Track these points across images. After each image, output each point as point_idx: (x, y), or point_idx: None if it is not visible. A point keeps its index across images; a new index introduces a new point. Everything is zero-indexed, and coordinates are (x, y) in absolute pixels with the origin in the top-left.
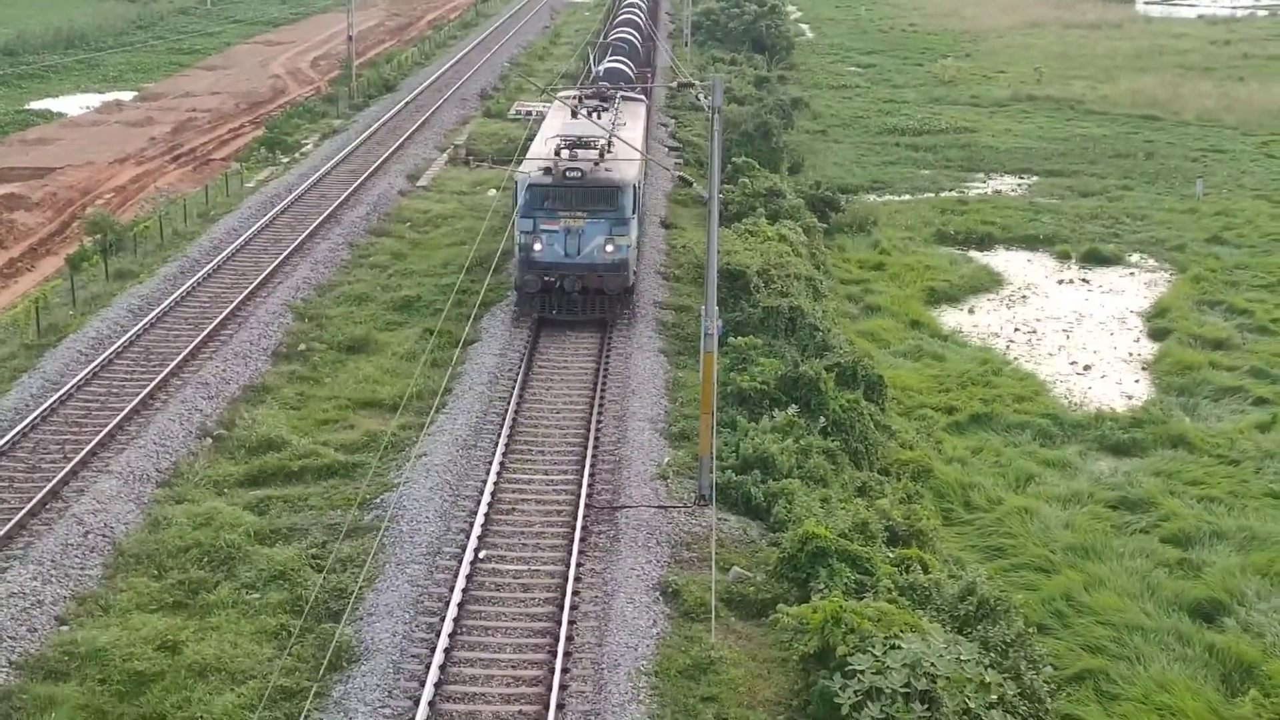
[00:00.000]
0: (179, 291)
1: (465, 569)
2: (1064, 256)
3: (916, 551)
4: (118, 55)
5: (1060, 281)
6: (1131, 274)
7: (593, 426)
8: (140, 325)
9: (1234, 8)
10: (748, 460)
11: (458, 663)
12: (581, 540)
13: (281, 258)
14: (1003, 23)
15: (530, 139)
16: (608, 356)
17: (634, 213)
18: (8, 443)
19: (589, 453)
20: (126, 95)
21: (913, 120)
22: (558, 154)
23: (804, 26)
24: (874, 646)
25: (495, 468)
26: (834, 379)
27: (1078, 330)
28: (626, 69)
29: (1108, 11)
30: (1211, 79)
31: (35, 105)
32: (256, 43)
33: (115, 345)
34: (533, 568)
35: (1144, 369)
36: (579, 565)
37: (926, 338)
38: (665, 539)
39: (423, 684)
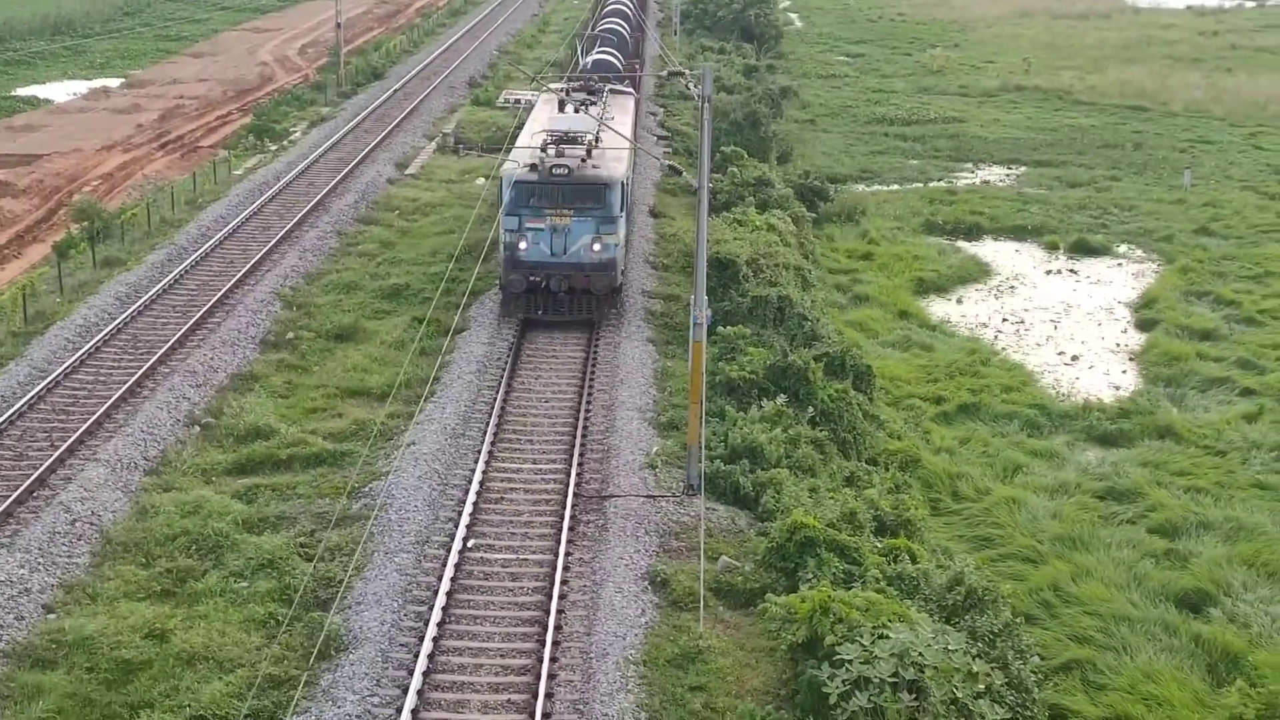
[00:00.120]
0: (167, 279)
1: (454, 558)
2: (1052, 247)
3: (904, 541)
4: (105, 42)
5: (1048, 272)
6: (1119, 265)
7: (581, 415)
8: (128, 313)
9: None
10: (736, 450)
11: (446, 652)
12: (570, 529)
13: (270, 246)
14: (991, 12)
15: (519, 128)
16: (596, 346)
17: (622, 211)
18: None
19: (577, 442)
20: (114, 82)
21: (901, 110)
22: (544, 150)
23: (793, 15)
24: (862, 636)
25: (484, 456)
26: (822, 369)
27: (1065, 321)
28: (615, 61)
29: (1096, 2)
30: (1200, 70)
31: (22, 92)
32: (244, 30)
33: (103, 333)
34: (521, 557)
35: (1131, 359)
36: (567, 554)
37: (915, 328)
38: (654, 528)
39: (411, 673)
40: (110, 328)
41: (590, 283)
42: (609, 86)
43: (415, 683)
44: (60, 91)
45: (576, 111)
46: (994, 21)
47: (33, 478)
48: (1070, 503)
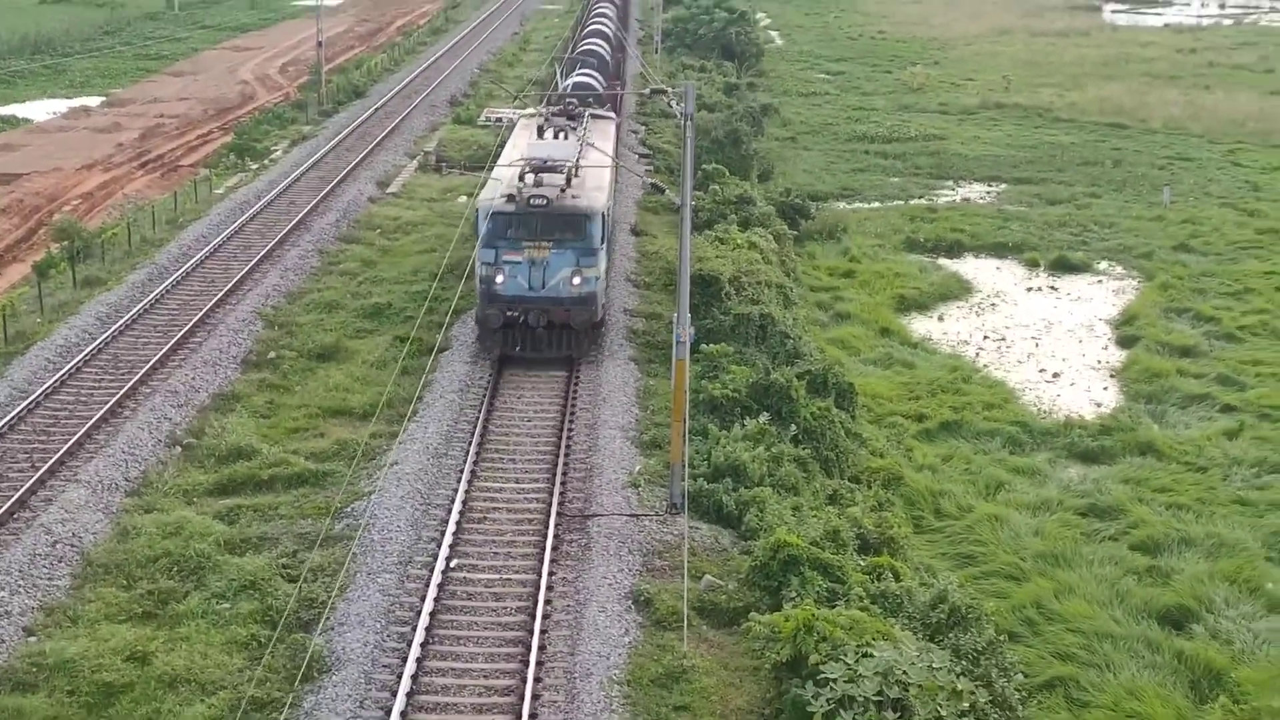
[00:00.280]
0: (148, 299)
1: (437, 578)
2: (1033, 264)
3: (888, 559)
4: (85, 61)
5: (1029, 289)
6: (1099, 281)
7: (564, 434)
8: (108, 333)
9: (1200, 17)
10: (719, 468)
11: (429, 672)
12: (553, 549)
13: (251, 265)
14: (971, 30)
15: (501, 146)
16: (579, 365)
17: (603, 242)
18: None
19: (560, 461)
20: (94, 101)
21: (882, 128)
22: (522, 179)
23: (773, 34)
24: (846, 655)
25: (467, 476)
26: (805, 387)
27: (1046, 338)
28: (596, 83)
29: (1075, 20)
30: (1178, 87)
31: (1, 111)
32: (225, 48)
33: (83, 353)
34: (504, 576)
35: (1112, 376)
36: (551, 574)
37: (896, 345)
38: (637, 547)
39: (394, 694)
40: (91, 348)
41: (570, 317)
42: (589, 111)
43: (399, 704)
44: (40, 110)
45: (556, 137)
46: (973, 39)
47: (13, 499)
48: (1052, 520)
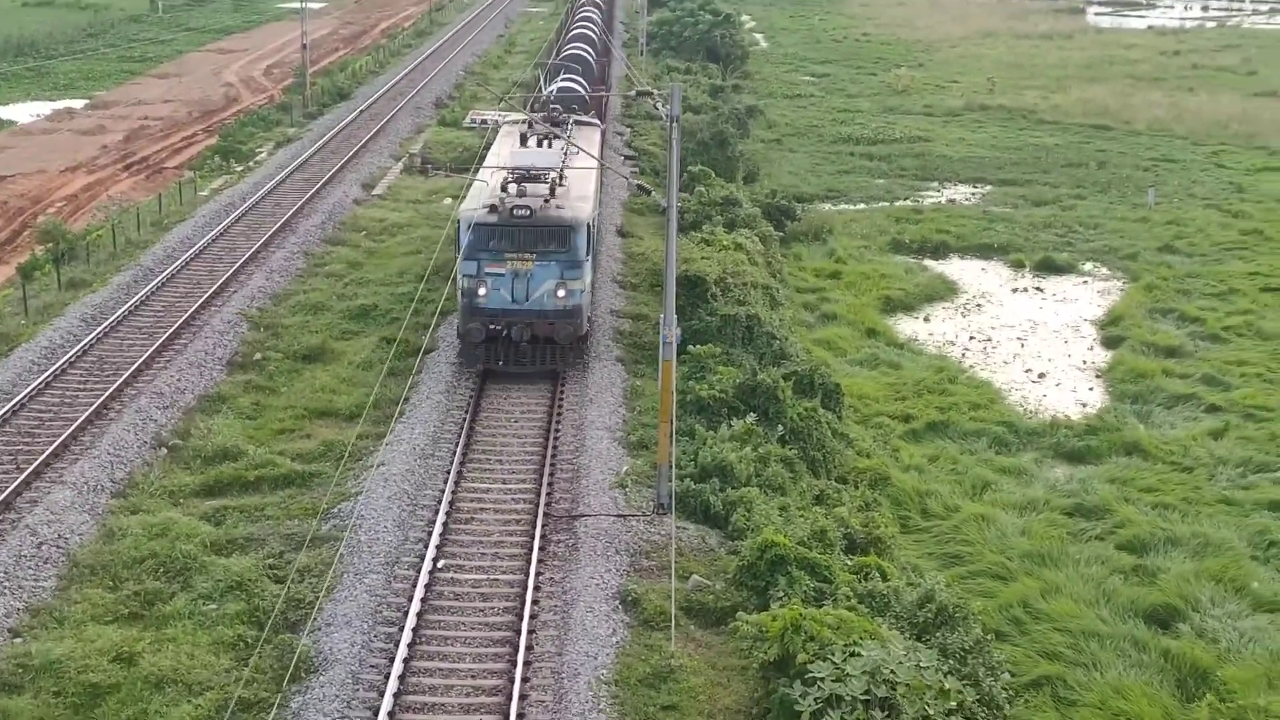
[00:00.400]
0: (132, 300)
1: (424, 578)
2: (1018, 265)
3: (875, 559)
4: (69, 63)
5: (1014, 290)
6: (1085, 282)
7: (551, 435)
8: (93, 334)
9: (1183, 19)
10: (706, 469)
11: (417, 673)
12: (540, 549)
13: (236, 266)
14: (955, 32)
15: (487, 147)
16: (565, 366)
17: (588, 254)
18: None
19: (547, 461)
20: (78, 103)
21: (867, 129)
22: (504, 189)
23: (758, 36)
24: (834, 654)
25: (453, 477)
26: (791, 387)
27: (1032, 338)
28: (580, 89)
29: (1059, 22)
30: (1162, 89)
31: None
32: (209, 50)
33: (68, 355)
34: (492, 577)
35: (1098, 376)
36: (538, 574)
37: (883, 346)
38: (624, 547)
39: (382, 694)
40: (76, 349)
41: (554, 331)
42: (573, 118)
43: (386, 704)
44: (24, 112)
45: (540, 145)
46: (958, 41)
47: None
48: (1039, 519)
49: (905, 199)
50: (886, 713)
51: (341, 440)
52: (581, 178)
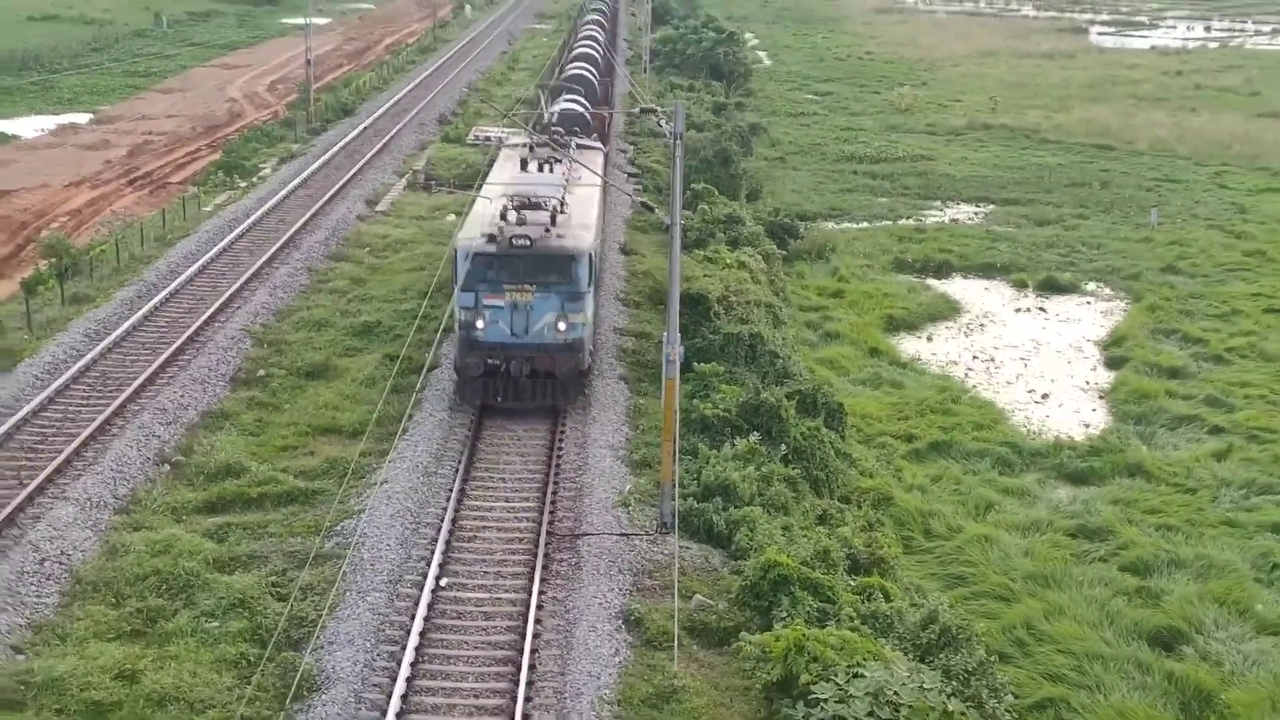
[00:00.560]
0: (136, 316)
1: (427, 597)
2: (1021, 285)
3: (878, 579)
4: (73, 78)
5: (1017, 310)
6: (1088, 302)
7: (554, 453)
8: (97, 350)
9: (1185, 39)
10: (709, 488)
11: (419, 691)
12: (543, 568)
13: (240, 282)
14: (958, 51)
15: (490, 164)
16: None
17: (590, 285)
18: None
19: (550, 480)
20: (82, 118)
21: (870, 148)
22: (504, 217)
23: (761, 54)
24: (837, 675)
25: (456, 494)
26: (794, 406)
27: (1035, 358)
28: (583, 110)
29: (1061, 41)
30: (1164, 109)
31: None
32: (213, 66)
33: (71, 370)
34: (495, 595)
35: (1101, 397)
36: (541, 593)
37: (885, 365)
38: (627, 567)
39: (384, 713)
40: (79, 365)
41: (554, 365)
42: (575, 141)
43: None
44: (28, 127)
45: (541, 170)
46: (960, 60)
47: (1, 517)
48: (1042, 540)
49: (908, 218)
50: None
51: (344, 457)
52: (584, 204)
